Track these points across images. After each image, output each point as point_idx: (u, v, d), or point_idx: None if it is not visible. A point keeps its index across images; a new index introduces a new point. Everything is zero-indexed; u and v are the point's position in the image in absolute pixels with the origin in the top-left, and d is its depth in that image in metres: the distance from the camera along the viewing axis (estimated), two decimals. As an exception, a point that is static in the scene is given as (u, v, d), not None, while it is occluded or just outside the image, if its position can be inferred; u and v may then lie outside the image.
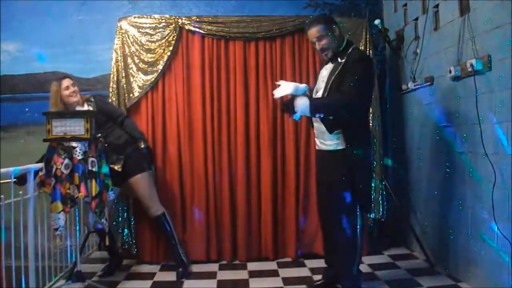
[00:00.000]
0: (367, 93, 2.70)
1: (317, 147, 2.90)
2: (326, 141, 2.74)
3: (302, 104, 2.55)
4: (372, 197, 3.70)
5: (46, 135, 2.91)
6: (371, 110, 3.72)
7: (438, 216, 3.36)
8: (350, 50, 2.72)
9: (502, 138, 2.57)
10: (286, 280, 3.20)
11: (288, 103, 2.60)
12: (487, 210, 2.66)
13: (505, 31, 2.49)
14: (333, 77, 2.66)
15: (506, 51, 2.49)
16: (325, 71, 2.79)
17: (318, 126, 2.77)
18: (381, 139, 3.81)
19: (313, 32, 2.72)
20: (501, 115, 2.57)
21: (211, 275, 3.34)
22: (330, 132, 2.65)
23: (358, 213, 2.68)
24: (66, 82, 3.20)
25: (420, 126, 3.66)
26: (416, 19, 3.65)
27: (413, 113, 3.81)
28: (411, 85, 3.66)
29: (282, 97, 2.68)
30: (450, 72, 3.00)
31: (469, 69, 2.75)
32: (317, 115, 2.62)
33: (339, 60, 2.70)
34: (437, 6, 3.29)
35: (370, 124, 3.72)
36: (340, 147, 2.67)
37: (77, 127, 2.93)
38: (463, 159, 3.00)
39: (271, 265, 3.58)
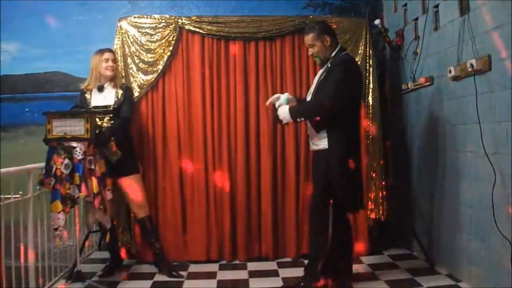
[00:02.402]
0: (344, 96, 2.76)
1: (310, 148, 3.06)
2: (316, 141, 2.91)
3: (283, 112, 2.84)
4: (373, 196, 3.72)
5: (46, 135, 2.91)
6: (373, 111, 3.75)
7: (438, 216, 3.36)
8: (339, 56, 2.86)
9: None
10: (286, 280, 3.20)
11: (275, 114, 2.90)
12: (487, 210, 2.66)
13: (505, 31, 2.49)
14: (319, 81, 2.87)
15: (506, 51, 2.48)
16: (317, 76, 2.97)
17: (309, 127, 2.97)
18: (381, 139, 3.81)
19: (306, 39, 2.94)
20: (501, 115, 2.57)
21: (211, 275, 3.34)
22: (317, 131, 2.85)
23: (338, 210, 2.82)
24: (107, 55, 3.27)
25: (420, 126, 3.66)
26: (416, 19, 3.65)
27: (413, 113, 3.81)
28: (411, 85, 3.66)
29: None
30: (450, 72, 3.00)
31: (469, 69, 2.75)
32: (298, 120, 2.91)
33: (329, 65, 2.86)
34: (437, 6, 3.29)
35: (372, 124, 3.74)
36: (326, 147, 2.83)
37: (77, 127, 2.93)
38: (463, 159, 3.00)
39: (271, 265, 3.58)
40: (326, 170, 2.81)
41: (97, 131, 3.02)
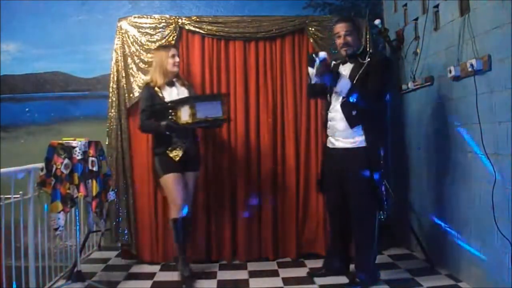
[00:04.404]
0: (386, 94, 2.98)
1: (331, 145, 3.01)
2: (346, 139, 2.90)
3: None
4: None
5: (188, 119, 2.96)
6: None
7: (438, 216, 3.36)
8: (370, 53, 2.97)
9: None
10: (286, 280, 3.20)
11: (326, 71, 2.77)
12: (487, 210, 2.66)
13: (505, 31, 2.49)
14: (357, 76, 2.87)
15: (506, 51, 2.49)
16: (344, 71, 2.96)
17: (335, 124, 2.94)
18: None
19: (344, 25, 2.93)
20: (501, 115, 2.57)
21: (211, 275, 3.34)
22: (352, 127, 2.85)
23: (375, 208, 2.91)
24: (173, 51, 3.27)
25: (420, 126, 3.66)
26: (416, 19, 3.65)
27: (413, 113, 3.81)
28: (411, 85, 3.66)
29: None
30: (450, 72, 3.00)
31: (469, 69, 2.75)
32: (350, 98, 2.82)
33: (360, 60, 2.90)
34: (437, 6, 3.29)
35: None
36: (361, 145, 2.85)
37: (216, 109, 3.05)
38: (463, 159, 3.00)
39: (271, 265, 3.58)
40: (363, 167, 2.84)
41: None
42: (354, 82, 2.85)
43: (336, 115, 2.94)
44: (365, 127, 2.86)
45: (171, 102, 3.13)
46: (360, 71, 2.87)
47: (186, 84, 3.37)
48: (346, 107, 2.88)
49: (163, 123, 3.06)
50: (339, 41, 2.95)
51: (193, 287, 3.08)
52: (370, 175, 2.85)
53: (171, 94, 3.24)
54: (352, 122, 2.86)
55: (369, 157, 2.85)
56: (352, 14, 4.14)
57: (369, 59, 2.90)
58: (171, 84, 3.27)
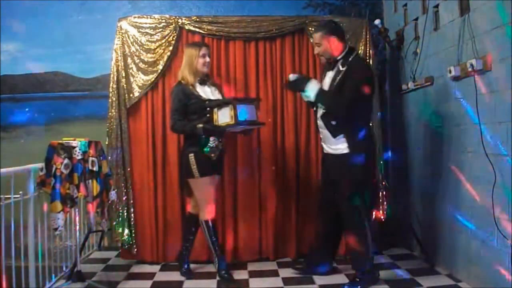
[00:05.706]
0: (366, 102, 2.95)
1: (324, 151, 3.11)
2: (332, 145, 2.97)
3: (313, 88, 2.89)
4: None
5: (230, 121, 2.93)
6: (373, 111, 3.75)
7: (438, 216, 3.36)
8: (351, 59, 2.93)
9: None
10: (286, 280, 3.20)
11: (296, 82, 2.97)
12: (487, 210, 2.66)
13: (505, 31, 2.49)
14: (334, 84, 2.91)
15: (506, 51, 2.48)
16: (328, 78, 3.01)
17: (324, 132, 3.01)
18: (381, 139, 3.81)
19: (315, 36, 3.03)
20: (501, 115, 2.57)
21: (211, 275, 3.34)
22: (334, 136, 2.91)
23: (363, 210, 2.93)
24: (204, 50, 3.19)
25: (420, 126, 3.66)
26: (416, 19, 3.65)
27: (413, 113, 3.81)
28: (411, 85, 3.66)
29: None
30: (450, 72, 3.00)
31: (469, 69, 2.75)
32: (318, 103, 2.95)
33: (340, 68, 2.91)
34: (437, 6, 3.29)
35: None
36: (344, 152, 2.90)
37: (252, 112, 3.07)
38: (463, 159, 3.00)
39: (271, 265, 3.58)
40: (347, 173, 2.89)
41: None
42: (328, 89, 2.92)
43: (321, 123, 3.01)
44: (347, 135, 2.89)
45: (210, 100, 3.10)
46: (337, 79, 2.89)
47: (216, 85, 3.36)
48: (325, 118, 2.95)
49: (200, 125, 3.03)
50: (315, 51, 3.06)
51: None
52: (353, 181, 2.90)
53: (206, 93, 3.20)
54: (332, 131, 2.92)
55: (351, 164, 2.88)
56: (352, 14, 4.14)
57: (346, 67, 2.89)
58: (203, 82, 3.23)
